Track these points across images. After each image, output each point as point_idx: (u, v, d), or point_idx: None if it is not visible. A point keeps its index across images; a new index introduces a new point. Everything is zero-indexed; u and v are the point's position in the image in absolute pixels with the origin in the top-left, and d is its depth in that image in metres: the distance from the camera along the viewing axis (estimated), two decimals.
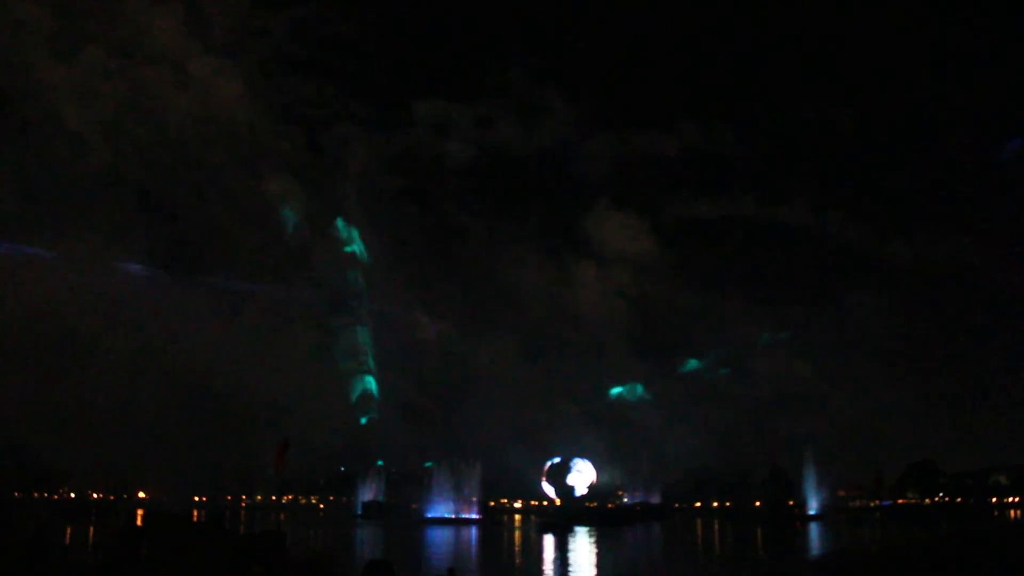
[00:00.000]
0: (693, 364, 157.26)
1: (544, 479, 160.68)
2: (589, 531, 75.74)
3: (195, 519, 38.29)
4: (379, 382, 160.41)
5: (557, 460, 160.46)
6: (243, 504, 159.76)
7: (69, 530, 57.43)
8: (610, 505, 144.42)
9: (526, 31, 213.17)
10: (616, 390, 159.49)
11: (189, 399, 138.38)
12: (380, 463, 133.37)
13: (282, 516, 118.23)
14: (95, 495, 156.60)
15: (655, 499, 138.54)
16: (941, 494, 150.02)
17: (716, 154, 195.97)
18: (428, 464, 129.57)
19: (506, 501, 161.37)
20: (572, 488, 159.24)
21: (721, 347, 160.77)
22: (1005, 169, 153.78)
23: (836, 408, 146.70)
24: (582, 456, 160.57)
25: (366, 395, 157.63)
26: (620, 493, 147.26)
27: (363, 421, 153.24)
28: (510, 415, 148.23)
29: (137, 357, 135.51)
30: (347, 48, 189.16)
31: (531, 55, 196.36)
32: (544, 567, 42.42)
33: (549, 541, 59.56)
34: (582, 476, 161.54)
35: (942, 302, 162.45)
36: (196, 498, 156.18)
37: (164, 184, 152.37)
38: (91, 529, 63.90)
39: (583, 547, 56.08)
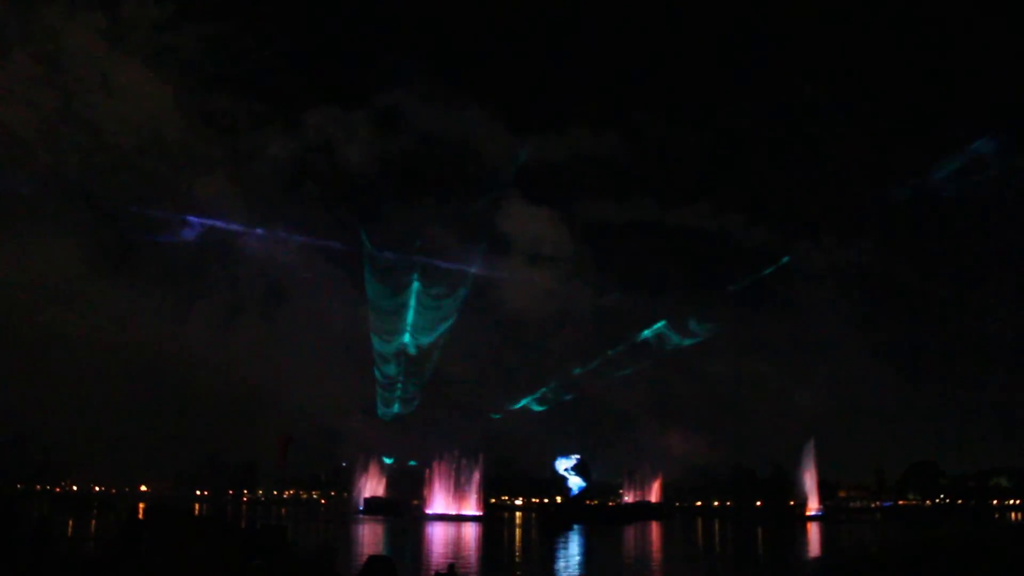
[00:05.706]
0: (610, 353, 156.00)
1: (567, 475, 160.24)
2: (590, 529, 75.79)
3: (197, 513, 38.38)
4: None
5: (575, 458, 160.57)
6: (244, 499, 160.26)
7: (71, 523, 57.70)
8: (611, 503, 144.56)
9: (426, 35, 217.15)
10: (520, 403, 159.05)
11: (151, 385, 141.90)
12: (389, 460, 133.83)
13: (283, 511, 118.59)
14: (97, 488, 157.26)
15: (654, 498, 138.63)
16: (942, 496, 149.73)
17: (607, 159, 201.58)
18: (412, 463, 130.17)
19: (507, 498, 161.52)
20: (587, 484, 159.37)
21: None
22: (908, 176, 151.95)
23: (800, 407, 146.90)
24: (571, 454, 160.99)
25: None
26: (621, 492, 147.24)
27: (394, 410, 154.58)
28: (476, 412, 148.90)
29: (108, 351, 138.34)
30: (257, 61, 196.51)
31: (435, 58, 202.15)
32: (544, 564, 42.42)
33: (556, 540, 59.48)
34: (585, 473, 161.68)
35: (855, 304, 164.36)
36: (198, 492, 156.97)
37: (104, 186, 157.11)
38: (93, 522, 64.17)
39: (583, 545, 56.13)
